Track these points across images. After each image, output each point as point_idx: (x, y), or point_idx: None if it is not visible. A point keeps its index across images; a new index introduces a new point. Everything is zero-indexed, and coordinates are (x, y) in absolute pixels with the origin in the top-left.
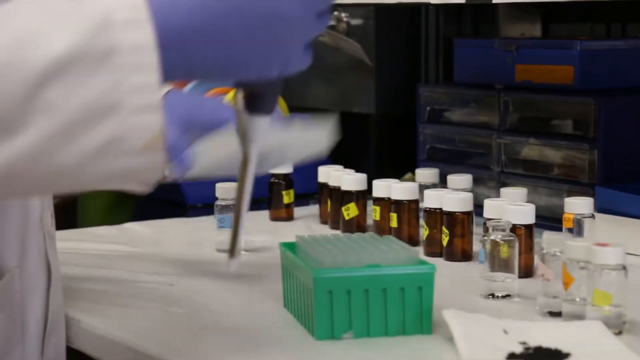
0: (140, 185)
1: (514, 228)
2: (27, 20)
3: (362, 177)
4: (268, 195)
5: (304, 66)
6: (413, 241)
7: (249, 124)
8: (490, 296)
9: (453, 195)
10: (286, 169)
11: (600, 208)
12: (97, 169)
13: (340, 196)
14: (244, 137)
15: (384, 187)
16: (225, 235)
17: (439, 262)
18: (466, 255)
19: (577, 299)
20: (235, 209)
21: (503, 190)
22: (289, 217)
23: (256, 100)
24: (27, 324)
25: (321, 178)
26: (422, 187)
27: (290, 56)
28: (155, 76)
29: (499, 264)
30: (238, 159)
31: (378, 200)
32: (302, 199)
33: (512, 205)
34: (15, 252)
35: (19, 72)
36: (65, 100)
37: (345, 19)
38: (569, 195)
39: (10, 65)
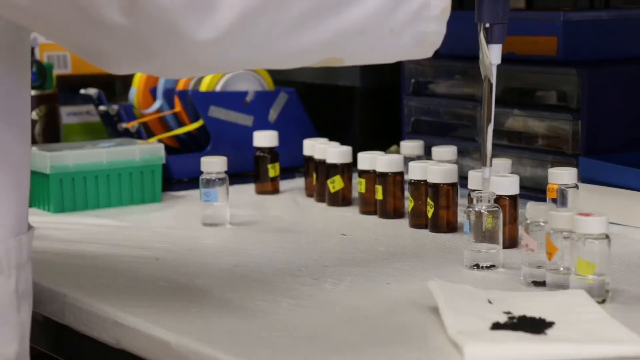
0: (428, 49)
1: (499, 199)
2: None
3: (348, 149)
4: (254, 169)
5: None
6: (398, 213)
7: (490, 52)
8: (475, 267)
9: (438, 167)
10: (271, 142)
11: (584, 178)
12: (409, 32)
13: (326, 169)
14: (487, 63)
15: (369, 160)
16: (210, 210)
17: (424, 234)
18: (451, 227)
19: (561, 269)
20: (484, 121)
21: None
22: (275, 191)
23: (493, 32)
24: None
25: (306, 151)
26: (407, 160)
27: None
28: None
29: (483, 234)
30: None
31: (363, 173)
32: (287, 173)
33: (496, 176)
34: None
35: None
36: None
37: None
38: (552, 166)
39: None
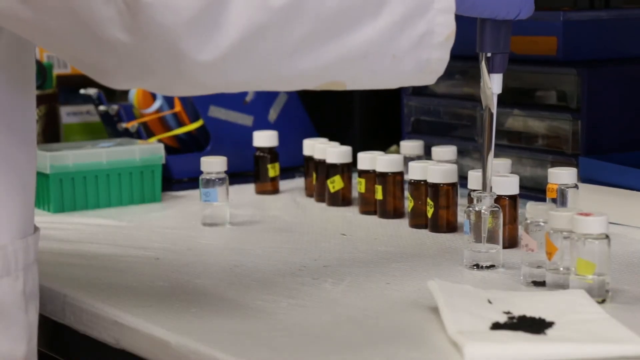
0: (430, 76)
1: (499, 199)
2: None
3: (347, 149)
4: (254, 169)
5: (532, 12)
6: (398, 213)
7: (491, 81)
8: (475, 267)
9: (437, 167)
10: (271, 142)
11: (584, 178)
12: (412, 59)
13: (326, 169)
14: (488, 92)
15: (369, 160)
16: (210, 210)
17: (424, 234)
18: (451, 227)
19: (561, 269)
20: (484, 150)
21: None
22: (275, 191)
23: (494, 62)
24: None
25: (306, 151)
26: (407, 159)
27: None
28: None
29: (483, 234)
30: None
31: (363, 173)
32: (287, 172)
33: (496, 176)
34: None
35: None
36: None
37: None
38: (552, 166)
39: None
